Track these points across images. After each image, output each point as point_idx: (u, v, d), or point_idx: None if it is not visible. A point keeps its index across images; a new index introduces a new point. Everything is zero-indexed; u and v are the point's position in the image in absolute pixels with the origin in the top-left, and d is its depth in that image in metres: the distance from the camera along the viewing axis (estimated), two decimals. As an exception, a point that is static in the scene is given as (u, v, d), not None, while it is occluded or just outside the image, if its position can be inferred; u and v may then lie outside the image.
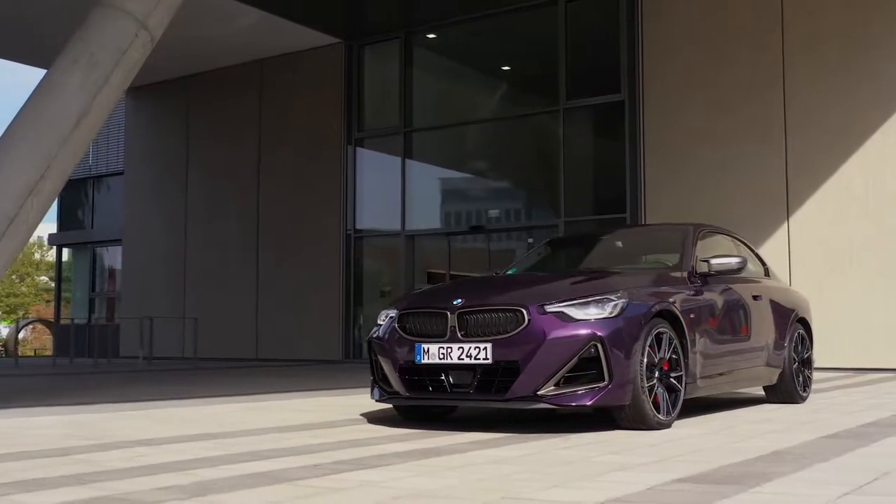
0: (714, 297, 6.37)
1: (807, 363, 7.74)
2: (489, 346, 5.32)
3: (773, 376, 7.26)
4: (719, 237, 7.49)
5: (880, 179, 12.81)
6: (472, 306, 5.48)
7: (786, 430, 5.38)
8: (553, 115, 15.89)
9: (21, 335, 48.56)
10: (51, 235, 25.59)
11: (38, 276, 76.09)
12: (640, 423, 5.38)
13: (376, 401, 5.96)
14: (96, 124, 7.35)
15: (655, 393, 5.47)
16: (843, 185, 13.04)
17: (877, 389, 9.21)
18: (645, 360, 5.37)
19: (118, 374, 13.73)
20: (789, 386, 7.40)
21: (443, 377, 5.50)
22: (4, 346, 36.10)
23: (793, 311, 7.60)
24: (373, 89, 18.29)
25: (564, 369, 5.22)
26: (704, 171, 14.13)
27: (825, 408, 7.04)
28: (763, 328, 7.02)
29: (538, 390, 5.22)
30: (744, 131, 13.87)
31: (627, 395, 5.28)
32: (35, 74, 7.72)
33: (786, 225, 13.46)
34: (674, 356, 5.67)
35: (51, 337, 25.64)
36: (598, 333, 5.23)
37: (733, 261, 6.40)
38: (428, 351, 5.51)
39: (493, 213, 17.25)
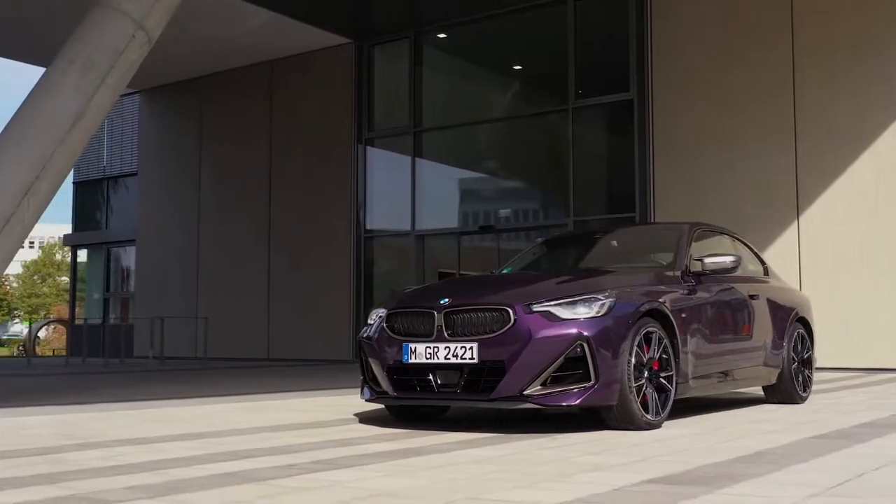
0: (708, 296, 6.31)
1: (807, 363, 7.66)
2: (475, 345, 5.30)
3: (771, 376, 7.19)
4: (717, 236, 7.43)
5: (890, 179, 12.68)
6: (459, 306, 5.46)
7: (777, 431, 5.32)
8: (562, 115, 15.84)
9: (42, 335, 48.97)
10: (66, 236, 25.76)
11: (59, 276, 76.73)
12: (628, 423, 5.34)
13: (366, 401, 5.95)
14: (93, 124, 7.37)
15: (644, 393, 5.43)
16: (853, 185, 12.91)
17: (884, 390, 9.11)
18: (633, 359, 5.32)
19: (126, 374, 13.80)
20: (789, 386, 7.33)
21: (430, 377, 5.48)
22: (24, 345, 36.36)
23: (792, 310, 7.52)
24: (383, 89, 18.29)
25: (550, 369, 5.19)
26: (713, 171, 14.04)
27: (825, 408, 6.97)
28: (760, 328, 6.95)
29: (524, 390, 5.19)
30: (753, 130, 13.77)
31: (614, 394, 5.24)
32: (38, 74, 7.72)
33: (795, 224, 13.35)
34: (664, 356, 5.62)
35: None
36: (585, 333, 5.19)
37: (727, 259, 6.34)
38: (415, 350, 5.50)
39: (503, 212, 17.20)
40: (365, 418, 6.32)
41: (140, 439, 5.14)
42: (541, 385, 5.20)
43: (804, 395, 7.53)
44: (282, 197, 19.15)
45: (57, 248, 76.97)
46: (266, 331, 19.10)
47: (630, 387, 5.28)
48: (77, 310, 25.13)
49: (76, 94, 7.17)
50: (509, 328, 5.25)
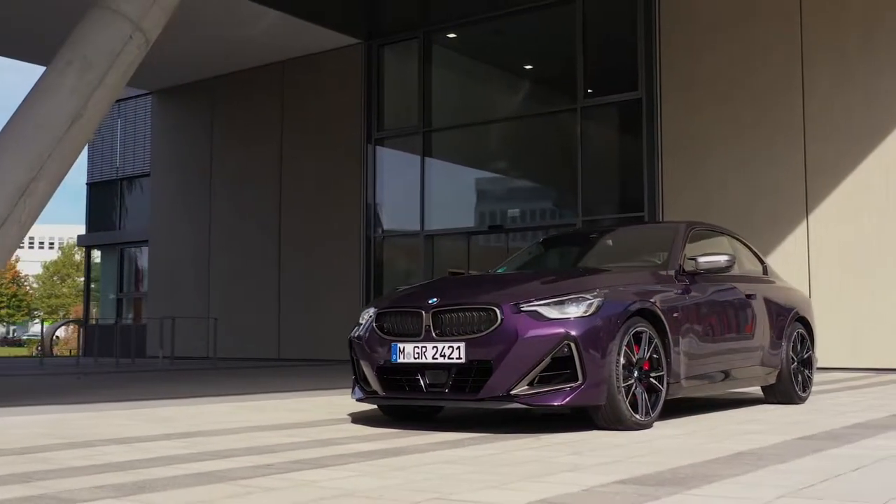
0: (702, 295, 6.26)
1: (807, 363, 7.59)
2: (462, 345, 5.28)
3: (769, 376, 7.13)
4: (715, 235, 7.38)
5: (900, 176, 12.57)
6: (447, 305, 5.44)
7: (766, 431, 5.28)
8: (571, 114, 15.78)
9: (62, 334, 49.28)
10: (79, 237, 25.93)
11: (78, 277, 77.22)
12: (617, 423, 5.31)
13: (356, 400, 5.94)
14: (91, 125, 7.40)
15: (634, 393, 5.40)
16: (863, 184, 12.80)
17: (889, 390, 9.02)
18: (621, 359, 5.29)
19: (133, 374, 13.86)
20: (787, 386, 7.26)
21: (419, 377, 5.47)
22: (41, 345, 36.60)
23: (791, 310, 7.45)
24: (392, 89, 18.29)
25: (538, 369, 5.16)
26: (722, 169, 13.95)
27: (823, 408, 6.91)
28: (757, 327, 6.89)
29: (511, 390, 5.17)
30: (762, 129, 13.67)
31: (602, 395, 5.21)
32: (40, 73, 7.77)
33: (805, 224, 13.24)
34: (655, 356, 5.58)
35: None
36: (572, 333, 5.16)
37: (721, 259, 6.29)
38: (403, 350, 5.48)
39: (513, 212, 17.16)
40: (358, 418, 6.31)
41: (126, 438, 5.15)
42: (528, 385, 5.18)
43: (804, 395, 7.46)
44: (292, 197, 19.20)
45: (76, 248, 77.52)
46: (277, 331, 19.15)
47: (618, 387, 5.25)
48: (93, 310, 25.29)
49: (73, 95, 7.20)
50: (496, 328, 5.23)
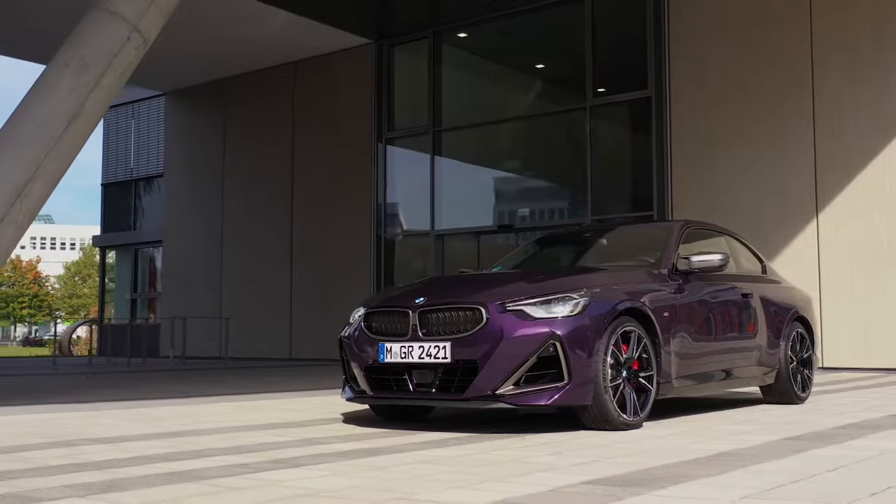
0: (695, 294, 6.21)
1: (807, 363, 7.51)
2: (448, 344, 5.26)
3: (767, 376, 7.06)
4: (711, 234, 7.32)
5: (911, 174, 12.44)
6: (434, 305, 5.42)
7: (756, 432, 5.22)
8: (580, 113, 15.72)
9: (83, 334, 49.60)
10: (95, 237, 26.09)
11: (98, 277, 77.91)
12: (604, 423, 5.27)
13: (346, 400, 5.94)
14: (88, 126, 7.43)
15: (622, 393, 5.36)
16: (873, 183, 12.67)
17: (894, 391, 8.91)
18: (608, 359, 5.25)
19: (142, 374, 13.92)
20: (786, 386, 7.20)
21: (406, 376, 5.45)
22: (59, 345, 36.86)
23: (790, 309, 7.38)
24: (403, 89, 18.29)
25: (523, 369, 5.13)
26: (732, 168, 13.85)
27: (822, 409, 6.84)
28: (753, 327, 6.83)
29: (497, 390, 5.14)
30: (772, 127, 13.57)
31: (588, 395, 5.17)
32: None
33: (815, 222, 13.13)
34: (644, 355, 5.54)
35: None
36: (557, 332, 5.13)
37: (715, 257, 6.23)
38: (391, 350, 5.47)
39: (522, 211, 17.12)
40: (350, 418, 6.30)
41: (111, 438, 5.16)
42: (513, 385, 5.15)
43: (803, 395, 7.39)
44: (304, 197, 19.23)
45: (97, 249, 78.12)
46: (289, 330, 19.19)
47: (605, 387, 5.21)
48: (112, 310, 25.44)
49: (70, 96, 7.24)
50: (482, 327, 5.21)
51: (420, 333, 5.38)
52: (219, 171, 20.89)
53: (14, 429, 5.71)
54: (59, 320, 76.90)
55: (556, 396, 5.13)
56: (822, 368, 12.70)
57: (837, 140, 12.98)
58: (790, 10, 13.53)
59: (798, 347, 7.41)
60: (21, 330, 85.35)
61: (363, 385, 5.67)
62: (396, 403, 5.80)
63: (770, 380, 7.12)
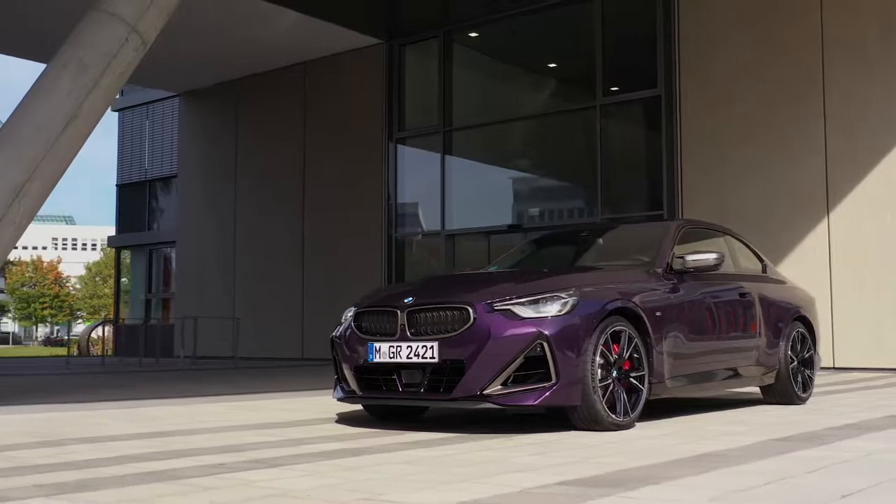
0: (689, 294, 6.15)
1: (808, 363, 7.43)
2: (436, 344, 5.24)
3: (766, 376, 6.99)
4: (709, 233, 7.27)
5: (922, 172, 12.31)
6: (422, 304, 5.40)
7: (748, 433, 5.17)
8: (590, 112, 15.65)
9: (101, 334, 49.92)
10: (110, 238, 26.25)
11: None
12: (593, 423, 5.23)
13: (338, 400, 5.92)
14: (87, 127, 7.46)
15: (612, 393, 5.32)
16: (884, 182, 12.54)
17: (902, 391, 8.82)
18: (598, 358, 5.21)
19: (152, 374, 13.98)
20: (786, 386, 7.12)
21: (395, 376, 5.44)
22: (78, 345, 37.14)
23: (791, 308, 7.31)
24: (414, 89, 18.28)
25: (510, 368, 5.10)
26: (742, 166, 13.75)
27: (822, 409, 6.76)
28: (751, 326, 6.77)
29: (484, 389, 5.11)
30: (782, 126, 13.46)
31: (576, 395, 5.13)
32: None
33: (825, 222, 13.01)
34: (636, 355, 5.49)
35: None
36: (544, 332, 5.09)
37: (710, 256, 6.17)
38: (379, 350, 5.46)
39: (533, 211, 17.08)
40: (343, 418, 6.29)
41: (100, 437, 5.17)
42: (501, 385, 5.12)
43: (804, 395, 7.31)
44: (315, 197, 19.27)
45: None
46: (300, 330, 19.22)
47: (594, 387, 5.17)
48: (128, 311, 25.59)
49: (69, 97, 7.27)
50: (469, 327, 5.18)
51: (408, 333, 5.37)
52: (231, 171, 20.96)
53: (8, 428, 5.73)
54: (80, 320, 77.61)
55: (544, 396, 5.09)
56: (834, 368, 12.60)
57: (849, 138, 12.85)
58: (800, 8, 13.41)
59: (799, 347, 7.33)
60: (42, 330, 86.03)
61: (353, 385, 5.66)
62: (385, 403, 5.79)
63: (770, 380, 7.05)
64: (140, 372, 14.52)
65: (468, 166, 17.81)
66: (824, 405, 7.13)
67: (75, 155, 7.44)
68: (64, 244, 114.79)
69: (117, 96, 25.10)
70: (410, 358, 5.31)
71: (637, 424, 5.56)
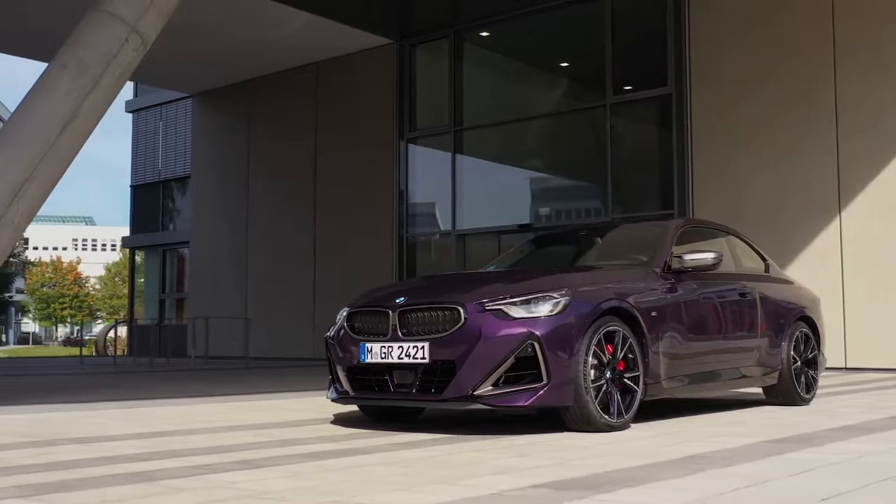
0: (687, 294, 6.09)
1: (812, 363, 7.35)
2: (427, 345, 5.21)
3: (768, 377, 6.92)
4: (711, 232, 7.20)
5: (935, 171, 12.17)
6: (413, 305, 5.38)
7: (742, 434, 5.11)
8: (600, 111, 15.59)
9: (118, 334, 50.19)
10: (124, 238, 26.37)
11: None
12: (586, 424, 5.19)
13: (332, 400, 5.90)
14: (86, 127, 7.48)
15: (606, 394, 5.27)
16: (896, 179, 12.43)
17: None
18: (590, 359, 5.17)
19: (162, 374, 14.03)
20: (789, 387, 7.05)
21: (387, 377, 5.41)
22: (95, 346, 37.37)
23: (794, 308, 7.23)
24: (424, 88, 18.26)
25: (501, 369, 5.07)
26: (753, 165, 13.65)
27: (824, 410, 6.69)
28: (752, 326, 6.70)
29: (475, 390, 5.08)
30: (793, 125, 13.34)
31: (568, 395, 5.09)
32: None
33: (837, 221, 12.88)
34: (630, 355, 5.45)
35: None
36: (535, 332, 5.06)
37: (708, 256, 6.11)
38: (371, 350, 5.44)
39: (543, 210, 17.02)
40: (340, 418, 6.28)
41: (92, 438, 5.18)
42: (492, 385, 5.09)
43: (807, 396, 7.23)
44: (327, 197, 19.28)
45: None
46: (312, 330, 19.23)
47: (586, 387, 5.13)
48: (143, 311, 25.72)
49: (67, 98, 7.29)
50: (459, 327, 5.15)
51: (400, 334, 5.34)
52: (244, 171, 21.02)
53: (4, 427, 5.75)
54: (99, 320, 78.10)
55: (535, 397, 5.05)
56: (847, 369, 12.49)
57: (861, 136, 12.73)
58: (811, 6, 13.29)
59: (802, 348, 7.25)
60: (63, 330, 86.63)
61: (346, 385, 5.65)
62: (377, 404, 5.76)
63: (771, 380, 6.97)
64: (150, 372, 14.58)
65: (479, 166, 17.77)
66: (828, 406, 7.06)
67: (75, 155, 7.46)
68: (84, 245, 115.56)
69: (131, 97, 25.25)
70: (402, 358, 5.29)
71: (633, 425, 5.52)
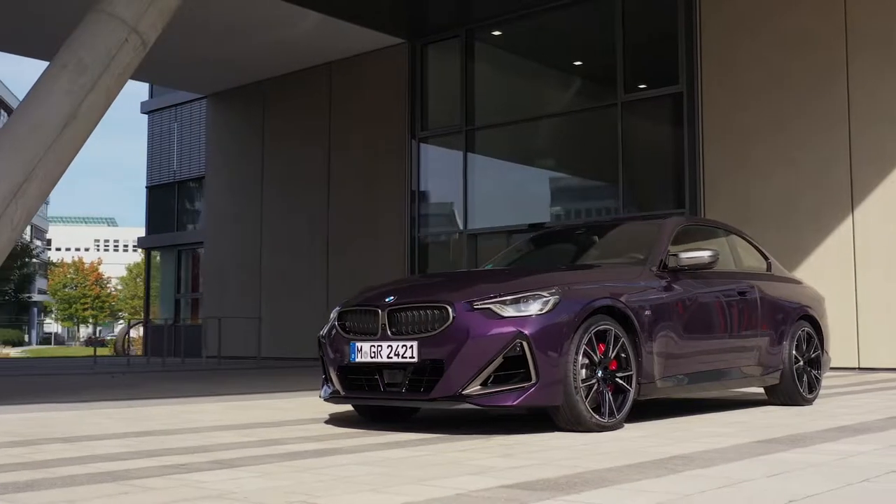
0: (684, 292, 6.02)
1: (814, 363, 7.25)
2: (415, 344, 5.17)
3: (768, 377, 6.83)
4: (711, 231, 7.13)
5: (948, 168, 12.00)
6: (403, 303, 5.34)
7: (732, 434, 5.04)
8: (612, 109, 15.49)
9: (135, 335, 50.52)
10: (139, 239, 26.50)
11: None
12: (576, 424, 5.13)
13: (324, 400, 5.88)
14: (86, 128, 7.49)
15: (597, 393, 5.21)
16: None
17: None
18: (580, 358, 5.11)
19: (172, 374, 14.06)
20: (791, 387, 6.95)
21: (377, 376, 5.38)
22: (114, 346, 37.61)
23: (796, 308, 7.13)
24: (436, 88, 18.23)
25: (489, 368, 5.02)
26: (765, 163, 13.52)
27: (824, 410, 6.59)
28: (752, 326, 6.61)
29: (463, 390, 5.04)
30: (805, 121, 13.21)
31: (557, 395, 5.04)
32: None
33: (850, 218, 12.74)
34: (623, 355, 5.38)
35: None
36: (523, 331, 5.01)
37: (704, 254, 6.04)
38: (361, 349, 5.41)
39: (554, 209, 16.95)
40: (333, 418, 6.25)
41: (77, 437, 5.17)
42: (480, 385, 5.04)
43: (809, 396, 7.13)
44: (339, 197, 19.29)
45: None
46: (325, 331, 19.22)
47: (576, 387, 5.07)
48: (159, 311, 25.84)
49: (67, 98, 7.30)
50: (448, 326, 5.11)
51: (389, 333, 5.31)
52: (258, 172, 21.06)
53: (-6, 427, 5.76)
54: (121, 321, 78.55)
55: (524, 397, 5.00)
56: (859, 368, 12.35)
57: (874, 132, 12.57)
58: (823, 3, 13.14)
59: (805, 347, 7.16)
60: (85, 331, 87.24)
61: (337, 385, 5.62)
62: (367, 404, 5.73)
63: (772, 380, 6.88)
64: (161, 372, 14.62)
65: (490, 165, 17.72)
66: (830, 406, 6.96)
67: (75, 156, 7.48)
68: (106, 245, 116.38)
69: (147, 98, 25.36)
70: (391, 357, 5.26)
71: (627, 425, 5.46)
